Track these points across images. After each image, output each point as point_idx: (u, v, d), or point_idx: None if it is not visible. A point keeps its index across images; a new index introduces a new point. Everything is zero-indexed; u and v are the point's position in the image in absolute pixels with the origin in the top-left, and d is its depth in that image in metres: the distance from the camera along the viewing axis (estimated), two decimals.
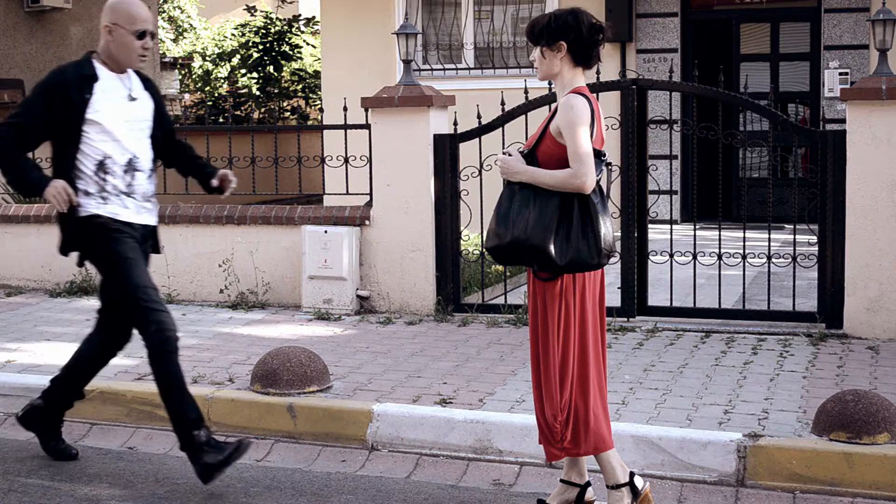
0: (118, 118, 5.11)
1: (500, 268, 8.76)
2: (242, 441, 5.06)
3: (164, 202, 9.30)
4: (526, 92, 8.16)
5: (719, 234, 7.90)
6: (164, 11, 23.73)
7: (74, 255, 5.23)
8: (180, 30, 24.43)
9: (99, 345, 5.40)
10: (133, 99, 5.18)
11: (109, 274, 5.14)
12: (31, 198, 5.19)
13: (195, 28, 24.50)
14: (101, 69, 5.13)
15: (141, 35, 5.09)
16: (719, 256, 7.82)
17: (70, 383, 5.47)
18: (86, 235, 5.11)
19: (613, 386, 5.98)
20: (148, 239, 5.28)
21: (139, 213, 5.18)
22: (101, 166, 5.08)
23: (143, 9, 5.14)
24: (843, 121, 7.91)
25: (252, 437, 5.78)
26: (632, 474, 4.59)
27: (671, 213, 8.61)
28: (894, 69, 7.56)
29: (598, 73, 7.61)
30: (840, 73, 12.99)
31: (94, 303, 8.85)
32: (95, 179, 5.08)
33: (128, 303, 5.06)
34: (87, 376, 5.50)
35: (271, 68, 19.77)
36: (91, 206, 5.08)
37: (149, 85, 5.31)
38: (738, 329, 7.54)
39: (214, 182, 5.40)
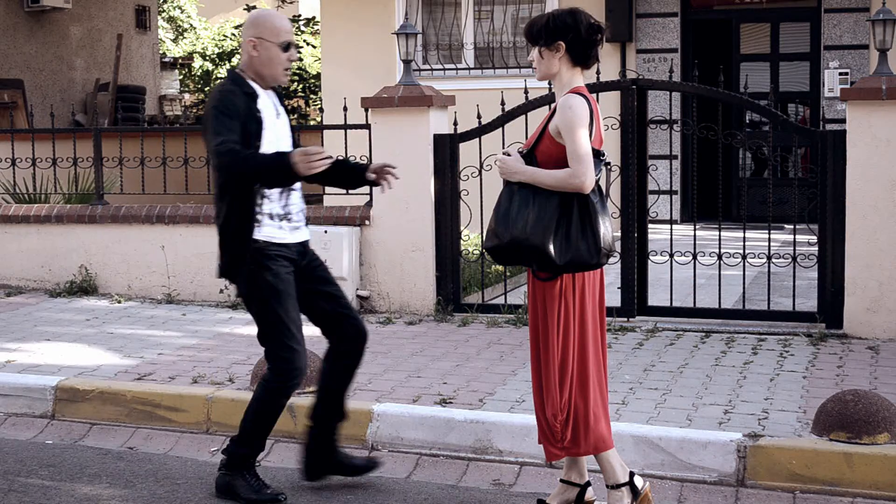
0: (273, 136, 4.84)
1: (500, 268, 8.76)
2: (279, 497, 4.92)
3: (163, 202, 9.34)
4: (526, 92, 8.16)
5: (719, 234, 7.90)
6: (164, 11, 23.73)
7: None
8: (180, 30, 24.44)
9: (337, 356, 5.05)
10: (279, 115, 4.93)
11: (255, 304, 4.85)
12: (288, 183, 4.74)
13: (195, 28, 24.51)
14: (254, 86, 4.84)
15: (286, 47, 4.85)
16: (719, 256, 7.82)
17: (330, 405, 5.09)
18: (240, 261, 4.81)
19: (613, 386, 5.97)
20: (305, 253, 4.97)
21: (292, 232, 4.89)
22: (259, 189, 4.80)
23: (285, 20, 4.92)
24: (843, 121, 7.90)
25: None
26: (632, 474, 4.58)
27: (671, 213, 8.60)
28: (894, 69, 7.56)
29: (597, 73, 7.61)
30: (840, 73, 12.99)
31: (94, 302, 8.89)
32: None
33: (267, 334, 4.84)
34: (340, 394, 5.11)
35: None
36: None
37: (281, 98, 5.03)
38: (738, 329, 7.54)
39: (371, 175, 5.03)
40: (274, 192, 4.82)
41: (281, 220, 4.86)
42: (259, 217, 4.78)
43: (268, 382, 4.86)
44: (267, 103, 4.87)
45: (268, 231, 4.81)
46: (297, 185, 4.93)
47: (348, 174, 5.17)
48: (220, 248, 4.89)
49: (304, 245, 4.98)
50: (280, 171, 4.66)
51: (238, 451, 4.96)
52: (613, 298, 7.60)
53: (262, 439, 4.98)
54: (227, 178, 4.75)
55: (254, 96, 4.82)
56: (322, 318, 5.01)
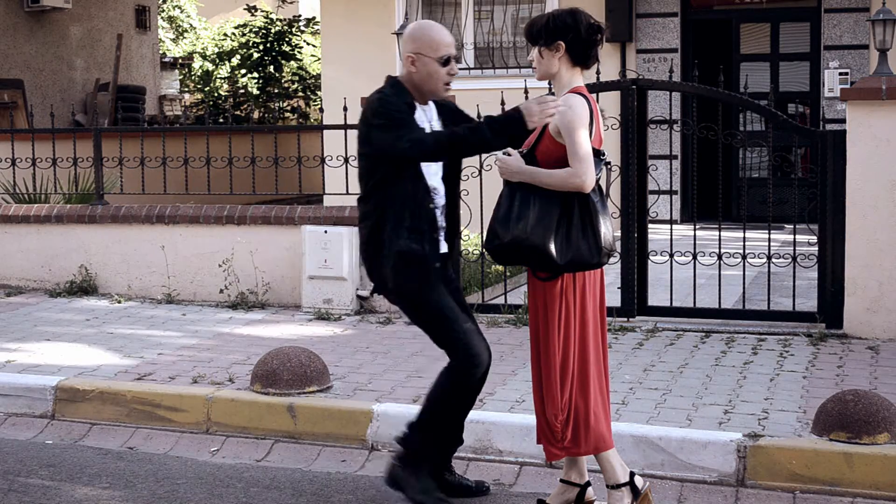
0: None
1: (500, 268, 8.76)
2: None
3: (163, 202, 9.35)
4: (526, 92, 8.14)
5: (719, 234, 7.90)
6: (164, 11, 23.73)
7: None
8: (180, 30, 24.44)
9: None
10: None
11: (410, 310, 4.84)
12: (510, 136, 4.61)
13: (195, 28, 24.51)
14: (412, 100, 4.77)
15: (446, 61, 4.72)
16: (719, 256, 7.82)
17: (449, 429, 4.95)
18: (390, 271, 4.75)
19: (613, 386, 5.96)
20: (447, 265, 4.88)
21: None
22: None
23: (445, 33, 4.75)
24: (843, 121, 7.90)
25: (252, 436, 5.80)
26: (632, 474, 4.58)
27: (671, 213, 8.59)
28: (894, 69, 7.57)
29: (597, 73, 7.60)
30: (840, 73, 12.99)
31: (94, 303, 8.89)
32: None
33: (435, 335, 4.79)
34: (460, 419, 4.97)
35: (271, 68, 19.79)
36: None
37: (442, 110, 4.94)
38: (738, 329, 7.54)
39: None
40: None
41: None
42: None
43: (451, 372, 4.76)
44: (421, 118, 4.78)
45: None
46: (440, 202, 4.83)
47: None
48: (367, 262, 4.83)
49: (443, 256, 4.87)
50: (509, 126, 4.55)
51: (413, 438, 4.83)
52: (613, 298, 7.60)
53: (442, 428, 4.83)
54: (436, 159, 4.71)
55: (412, 107, 4.74)
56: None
